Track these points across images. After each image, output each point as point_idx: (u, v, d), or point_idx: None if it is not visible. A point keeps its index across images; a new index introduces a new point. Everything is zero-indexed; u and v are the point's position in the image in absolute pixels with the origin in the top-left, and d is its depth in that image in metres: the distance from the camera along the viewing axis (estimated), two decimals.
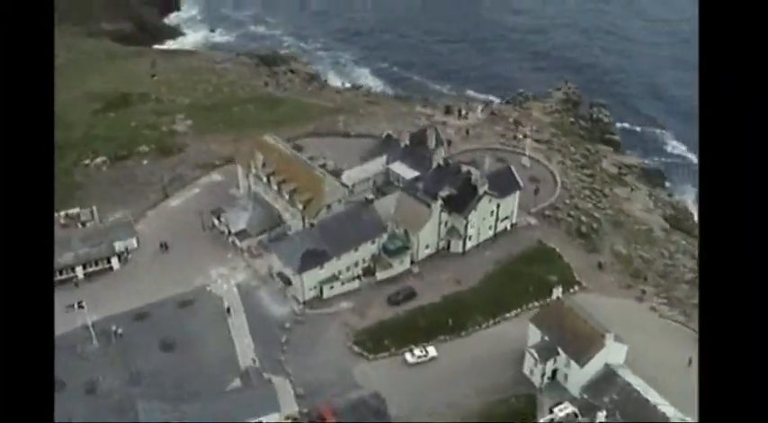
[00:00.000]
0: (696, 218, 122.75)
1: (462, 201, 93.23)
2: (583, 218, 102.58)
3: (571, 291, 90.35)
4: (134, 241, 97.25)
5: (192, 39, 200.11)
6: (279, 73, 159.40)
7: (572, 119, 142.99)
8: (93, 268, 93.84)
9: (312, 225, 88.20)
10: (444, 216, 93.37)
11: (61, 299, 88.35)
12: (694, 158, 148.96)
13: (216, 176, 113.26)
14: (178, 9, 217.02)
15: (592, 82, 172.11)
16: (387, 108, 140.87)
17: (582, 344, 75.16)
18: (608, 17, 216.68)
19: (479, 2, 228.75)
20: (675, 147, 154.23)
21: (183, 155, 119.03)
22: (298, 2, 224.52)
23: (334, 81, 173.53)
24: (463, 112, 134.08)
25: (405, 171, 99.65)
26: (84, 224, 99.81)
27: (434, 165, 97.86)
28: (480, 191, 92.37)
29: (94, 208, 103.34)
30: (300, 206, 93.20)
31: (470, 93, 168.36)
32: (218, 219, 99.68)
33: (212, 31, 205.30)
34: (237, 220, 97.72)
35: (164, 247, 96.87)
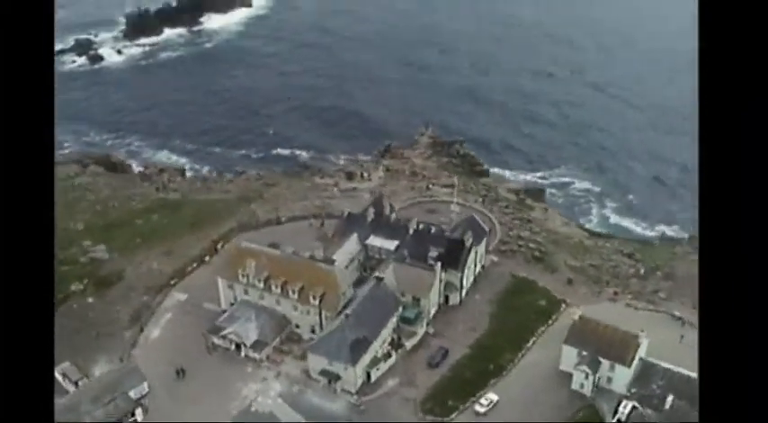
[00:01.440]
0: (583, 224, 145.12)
1: (452, 257, 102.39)
2: (530, 245, 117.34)
3: (561, 309, 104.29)
4: (145, 386, 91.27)
5: None
6: (152, 175, 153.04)
7: (446, 159, 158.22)
8: None
9: (347, 316, 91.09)
10: (442, 274, 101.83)
11: None
12: (508, 173, 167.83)
13: (179, 295, 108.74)
14: None
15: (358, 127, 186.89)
16: (287, 187, 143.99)
17: (621, 348, 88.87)
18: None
19: (223, 65, 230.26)
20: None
21: (124, 282, 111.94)
22: None
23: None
24: (365, 175, 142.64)
25: (384, 243, 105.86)
26: (77, 384, 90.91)
27: (411, 231, 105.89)
28: (467, 244, 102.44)
29: (67, 364, 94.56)
30: (316, 302, 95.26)
31: (280, 151, 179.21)
32: (221, 337, 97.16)
33: None
34: (248, 333, 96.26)
35: (180, 373, 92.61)
